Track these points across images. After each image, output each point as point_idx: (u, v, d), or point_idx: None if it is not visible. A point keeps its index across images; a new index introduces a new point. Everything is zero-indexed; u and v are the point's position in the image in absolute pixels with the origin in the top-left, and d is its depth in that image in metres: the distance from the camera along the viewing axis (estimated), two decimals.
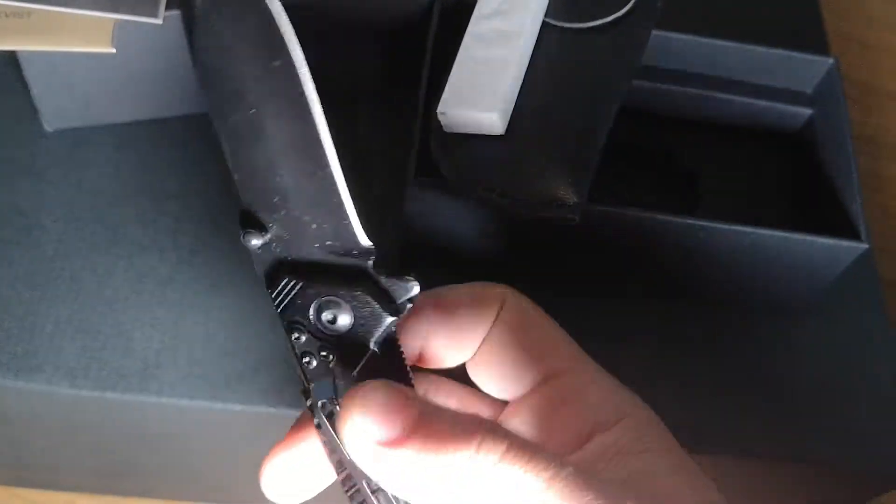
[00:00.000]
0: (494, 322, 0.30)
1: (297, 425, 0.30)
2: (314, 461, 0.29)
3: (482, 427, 0.24)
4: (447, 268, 0.41)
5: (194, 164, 0.43)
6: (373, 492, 0.27)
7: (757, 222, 0.39)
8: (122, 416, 0.39)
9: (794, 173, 0.46)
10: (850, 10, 0.77)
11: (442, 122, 0.37)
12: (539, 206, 0.35)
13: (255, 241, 0.29)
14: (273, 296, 0.29)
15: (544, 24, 0.39)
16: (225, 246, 0.41)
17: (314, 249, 0.28)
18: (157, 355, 0.38)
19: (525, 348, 0.30)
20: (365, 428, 0.24)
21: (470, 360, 0.31)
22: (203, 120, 0.45)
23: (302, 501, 0.30)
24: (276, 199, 0.28)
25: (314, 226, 0.28)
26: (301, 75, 0.27)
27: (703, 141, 0.46)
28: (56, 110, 0.42)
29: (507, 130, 0.36)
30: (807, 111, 0.46)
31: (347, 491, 0.28)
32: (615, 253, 0.41)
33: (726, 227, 0.39)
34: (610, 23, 0.39)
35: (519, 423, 0.30)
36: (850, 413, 0.42)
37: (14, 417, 0.40)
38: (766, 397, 0.41)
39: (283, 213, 0.28)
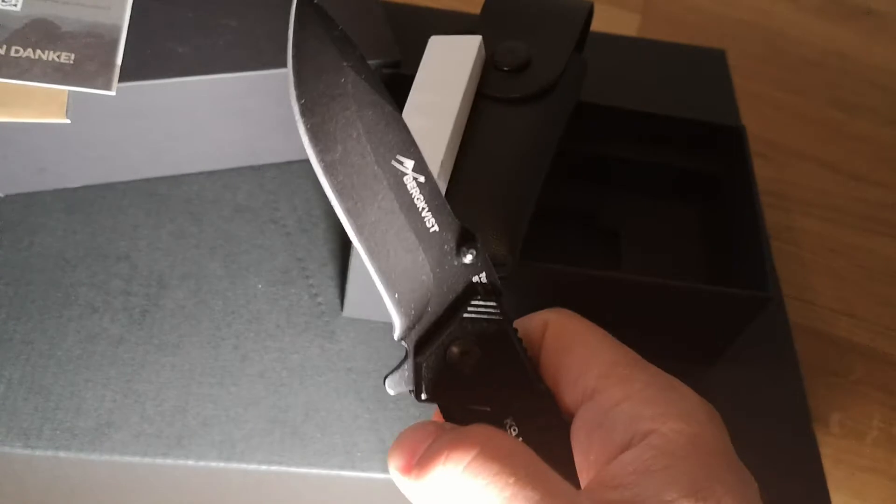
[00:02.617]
0: (540, 350, 0.30)
1: None
2: None
3: (452, 438, 0.25)
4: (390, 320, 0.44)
5: (144, 227, 0.45)
6: None
7: (673, 276, 0.42)
8: (75, 475, 0.40)
9: (708, 230, 0.50)
10: (759, 72, 0.83)
11: None
12: None
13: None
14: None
15: (478, 95, 0.42)
16: (174, 306, 0.43)
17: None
18: (110, 414, 0.39)
19: (562, 373, 0.29)
20: (390, 459, 0.26)
21: None
22: (152, 184, 0.46)
23: None
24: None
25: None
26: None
27: (624, 201, 0.50)
28: (9, 176, 0.44)
29: (445, 195, 0.39)
30: (718, 172, 0.49)
31: None
32: (543, 306, 0.43)
33: (644, 280, 0.42)
34: (538, 94, 0.42)
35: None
36: (762, 457, 0.45)
37: None
38: None
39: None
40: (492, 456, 0.24)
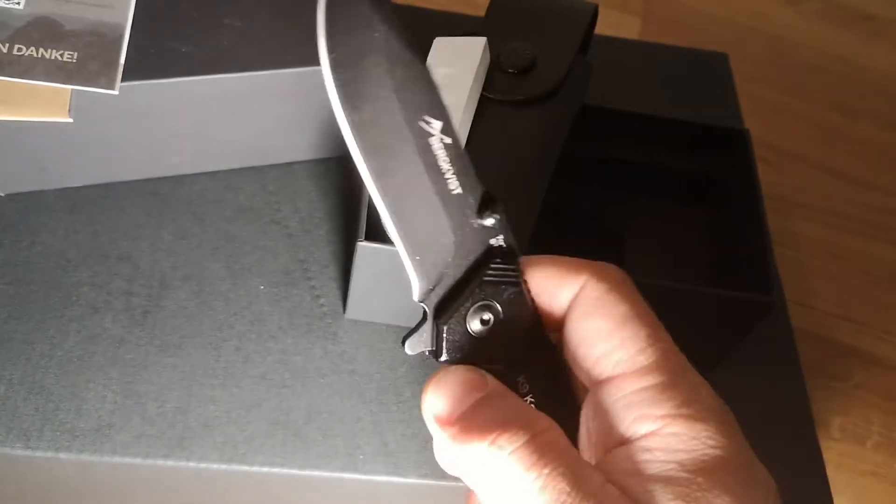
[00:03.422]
0: (569, 307, 0.28)
1: None
2: None
3: (509, 421, 0.25)
4: (392, 322, 0.44)
5: (145, 227, 0.45)
6: None
7: (676, 278, 0.42)
8: (76, 476, 0.39)
9: (712, 232, 0.50)
10: (761, 76, 0.83)
11: None
12: None
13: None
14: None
15: (482, 98, 0.42)
16: (176, 307, 0.42)
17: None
18: (111, 415, 0.39)
19: (585, 346, 0.27)
20: (429, 400, 0.26)
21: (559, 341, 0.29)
22: (155, 184, 0.46)
23: None
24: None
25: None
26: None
27: (627, 203, 0.50)
28: (10, 175, 0.43)
29: None
30: (722, 175, 0.49)
31: None
32: None
33: (647, 282, 0.41)
34: (542, 96, 0.42)
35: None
36: (765, 460, 0.44)
37: None
38: None
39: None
40: (539, 446, 0.24)
